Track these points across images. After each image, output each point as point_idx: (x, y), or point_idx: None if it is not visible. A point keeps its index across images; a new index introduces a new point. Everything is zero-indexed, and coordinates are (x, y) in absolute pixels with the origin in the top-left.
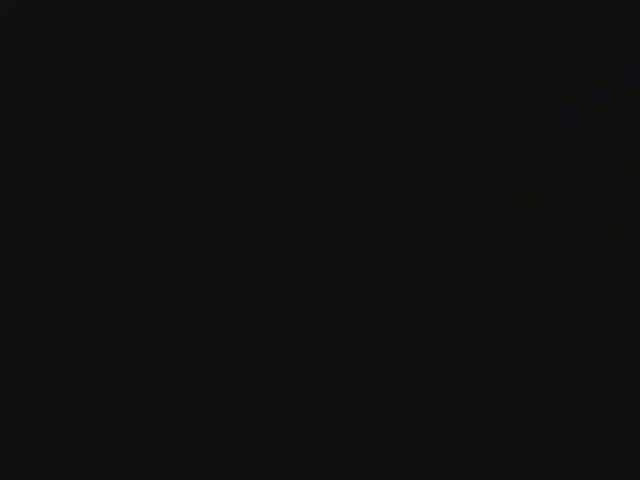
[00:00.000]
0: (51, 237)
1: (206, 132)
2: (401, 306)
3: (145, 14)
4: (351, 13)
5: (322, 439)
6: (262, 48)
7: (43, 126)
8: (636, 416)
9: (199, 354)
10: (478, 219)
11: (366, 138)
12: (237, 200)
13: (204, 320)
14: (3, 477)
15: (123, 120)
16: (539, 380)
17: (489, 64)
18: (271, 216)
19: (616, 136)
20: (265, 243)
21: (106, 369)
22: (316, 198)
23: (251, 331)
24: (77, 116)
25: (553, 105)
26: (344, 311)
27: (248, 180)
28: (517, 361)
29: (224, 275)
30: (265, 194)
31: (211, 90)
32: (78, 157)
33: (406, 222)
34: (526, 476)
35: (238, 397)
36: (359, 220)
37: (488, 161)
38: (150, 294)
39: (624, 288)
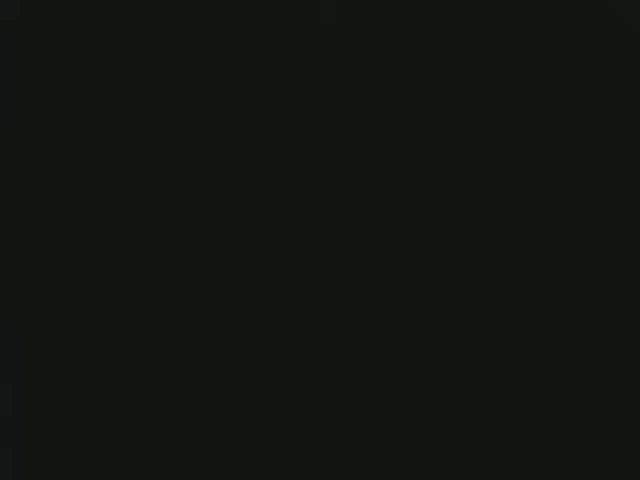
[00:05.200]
0: (53, 237)
1: (208, 136)
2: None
3: (152, 18)
4: (351, 21)
5: (322, 439)
6: (262, 54)
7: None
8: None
9: (199, 354)
10: None
11: (366, 142)
12: (237, 200)
13: (204, 320)
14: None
15: (124, 120)
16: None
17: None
18: (271, 215)
19: None
20: (266, 242)
21: (107, 369)
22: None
23: (251, 331)
24: (80, 116)
25: None
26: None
27: (249, 182)
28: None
29: (224, 275)
30: (265, 194)
31: (212, 95)
32: (81, 157)
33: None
34: (526, 476)
35: (238, 397)
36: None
37: None
38: (151, 295)
39: None
